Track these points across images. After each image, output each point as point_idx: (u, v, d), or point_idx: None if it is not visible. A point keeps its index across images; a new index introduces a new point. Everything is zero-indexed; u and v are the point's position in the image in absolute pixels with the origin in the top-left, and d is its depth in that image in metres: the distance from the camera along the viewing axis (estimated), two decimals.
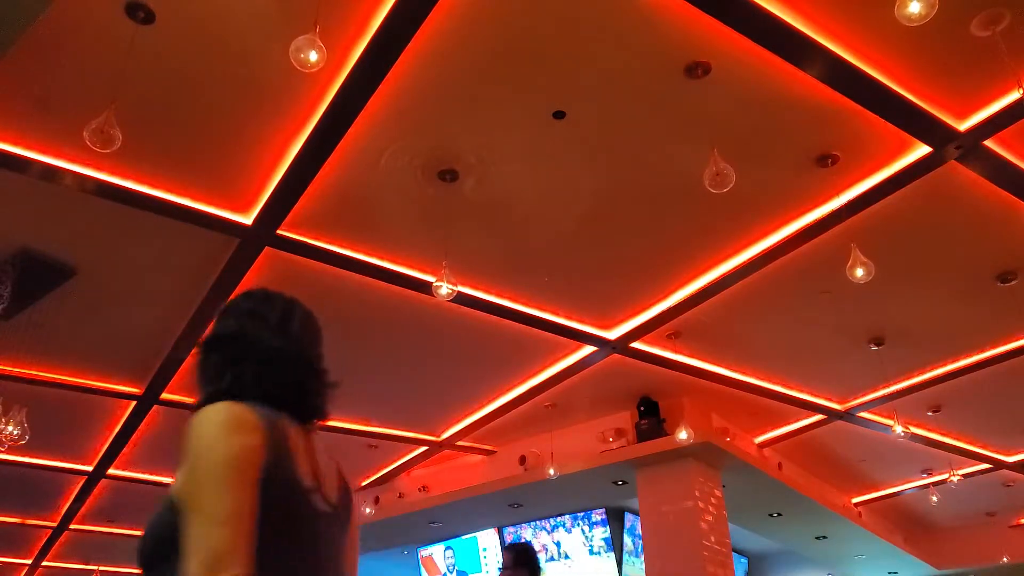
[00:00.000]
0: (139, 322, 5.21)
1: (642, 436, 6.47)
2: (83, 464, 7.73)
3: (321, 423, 1.39)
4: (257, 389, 1.30)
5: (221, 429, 1.19)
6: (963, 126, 3.66)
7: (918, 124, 3.62)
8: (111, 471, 7.85)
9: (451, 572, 8.59)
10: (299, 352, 1.40)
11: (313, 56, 2.73)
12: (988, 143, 3.73)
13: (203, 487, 1.15)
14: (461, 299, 4.68)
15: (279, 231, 4.27)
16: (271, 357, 1.35)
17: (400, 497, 8.19)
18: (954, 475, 8.04)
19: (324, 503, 1.30)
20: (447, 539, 8.71)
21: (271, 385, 1.31)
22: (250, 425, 1.21)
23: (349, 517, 1.39)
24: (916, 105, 3.52)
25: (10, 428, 4.99)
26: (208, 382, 1.34)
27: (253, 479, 1.15)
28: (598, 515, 7.65)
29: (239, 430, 1.19)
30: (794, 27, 3.11)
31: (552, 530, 7.93)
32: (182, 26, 3.10)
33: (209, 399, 1.27)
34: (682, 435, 5.79)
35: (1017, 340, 5.68)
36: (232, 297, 1.47)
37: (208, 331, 1.43)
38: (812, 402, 6.72)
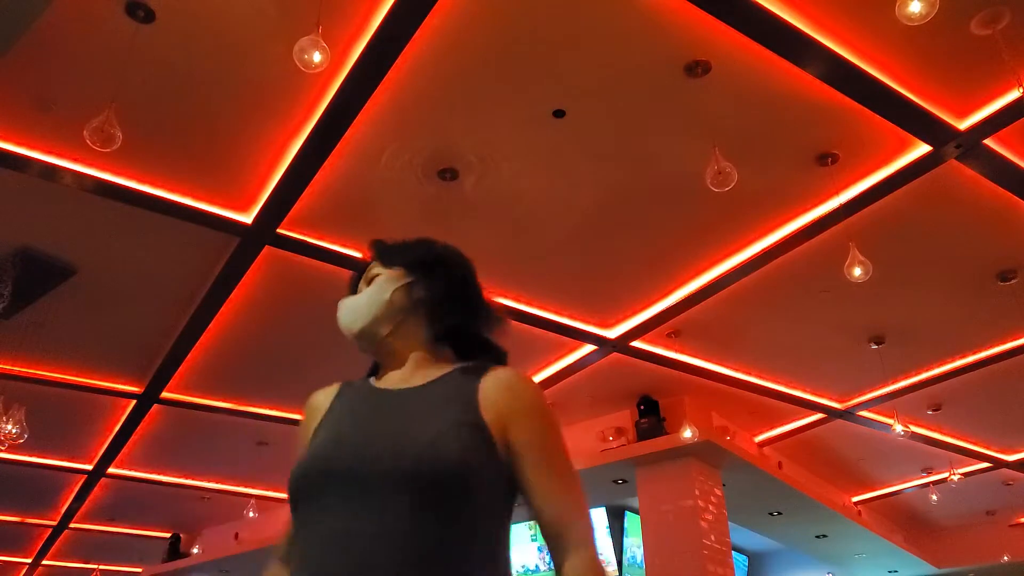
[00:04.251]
0: (139, 321, 5.21)
1: (642, 435, 6.47)
2: (83, 463, 7.74)
3: None
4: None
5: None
6: (963, 125, 3.66)
7: (918, 123, 3.62)
8: (111, 470, 7.86)
9: None
10: None
11: (317, 57, 2.73)
12: (988, 142, 3.73)
13: (566, 458, 1.19)
14: None
15: (279, 230, 4.27)
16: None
17: None
18: (954, 474, 8.04)
19: None
20: None
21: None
22: None
23: None
24: (916, 104, 3.52)
25: (9, 427, 5.00)
26: (454, 320, 1.31)
27: None
28: (598, 514, 7.65)
29: None
30: (794, 26, 3.11)
31: None
32: (182, 25, 3.10)
33: (499, 359, 1.29)
34: (687, 433, 5.79)
35: (1017, 339, 5.68)
36: (449, 245, 1.47)
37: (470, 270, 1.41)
38: (812, 401, 6.72)
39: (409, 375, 1.23)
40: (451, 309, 1.29)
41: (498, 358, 1.28)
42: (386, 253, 1.38)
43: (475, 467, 1.07)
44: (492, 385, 1.16)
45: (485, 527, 1.08)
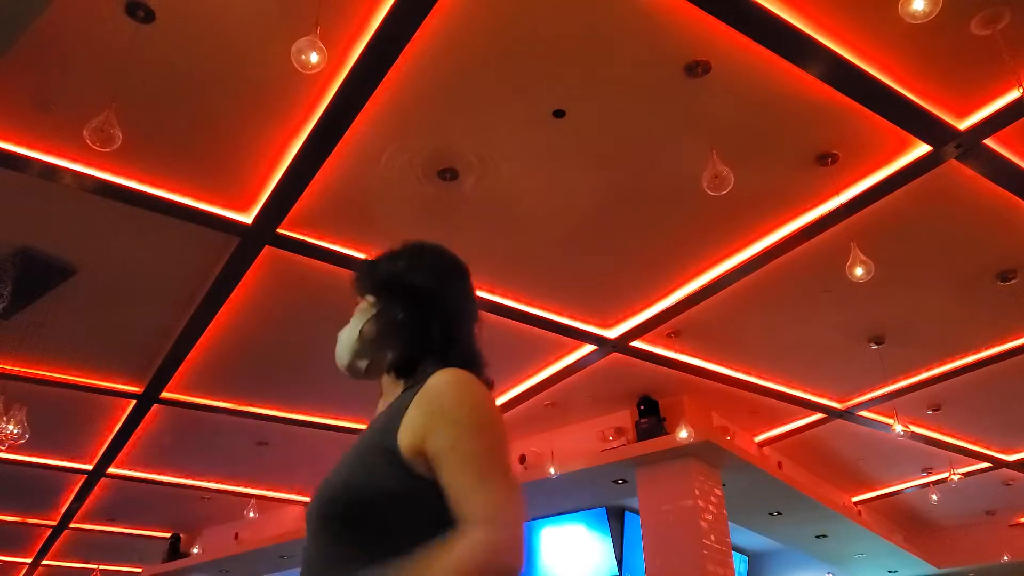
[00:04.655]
0: (139, 321, 5.21)
1: (642, 435, 6.47)
2: (83, 463, 7.74)
3: None
4: (473, 365, 1.22)
5: (488, 399, 1.12)
6: (963, 125, 3.66)
7: (918, 123, 3.62)
8: (111, 470, 7.86)
9: None
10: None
11: (314, 57, 2.74)
12: (988, 142, 3.73)
13: (493, 451, 1.07)
14: None
15: (279, 230, 4.27)
16: (474, 336, 1.29)
17: None
18: (954, 474, 8.04)
19: None
20: None
21: (478, 364, 1.24)
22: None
23: None
24: (916, 104, 3.52)
25: (10, 427, 5.00)
26: (422, 342, 1.23)
27: None
28: (598, 514, 7.66)
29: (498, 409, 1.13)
30: (794, 26, 3.11)
31: (552, 529, 7.94)
32: (182, 25, 3.10)
33: (444, 363, 1.18)
34: (683, 434, 5.79)
35: (1017, 339, 5.68)
36: (423, 251, 1.37)
37: (416, 284, 1.28)
38: (812, 401, 6.72)
39: (383, 404, 1.26)
40: (411, 334, 1.24)
41: (461, 363, 1.19)
42: (359, 279, 1.35)
43: (372, 495, 1.07)
44: (416, 399, 1.11)
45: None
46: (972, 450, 7.86)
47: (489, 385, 1.19)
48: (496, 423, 1.10)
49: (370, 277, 1.33)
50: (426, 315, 1.25)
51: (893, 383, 6.31)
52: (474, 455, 1.05)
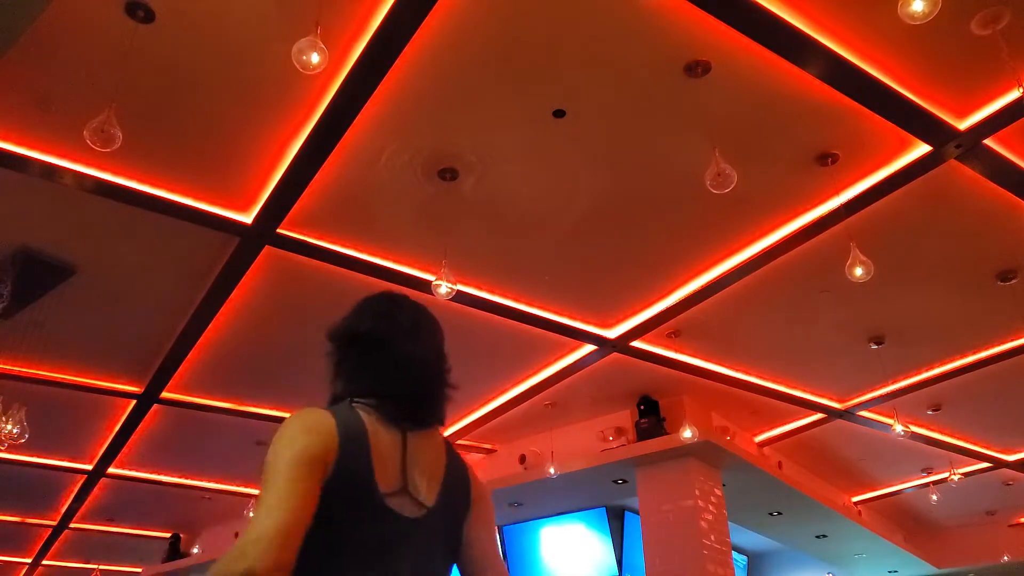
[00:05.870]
0: (139, 321, 5.21)
1: (642, 435, 6.47)
2: (83, 463, 7.74)
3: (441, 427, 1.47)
4: (369, 394, 1.39)
5: (296, 420, 1.30)
6: (963, 125, 3.66)
7: (918, 123, 3.62)
8: (111, 470, 7.86)
9: None
10: (423, 359, 1.45)
11: (315, 58, 2.74)
12: (988, 142, 3.73)
13: (270, 463, 1.24)
14: (460, 298, 4.68)
15: (279, 230, 4.27)
16: (396, 363, 1.41)
17: None
18: (954, 474, 8.04)
19: (411, 506, 1.33)
20: None
21: (384, 391, 1.39)
22: (323, 428, 1.29)
23: (458, 515, 1.43)
24: (916, 104, 3.52)
25: (9, 427, 4.99)
26: (331, 381, 1.44)
27: (309, 475, 1.22)
28: (598, 514, 7.66)
29: (309, 432, 1.27)
30: (794, 26, 3.11)
31: (552, 528, 7.94)
32: (182, 25, 3.10)
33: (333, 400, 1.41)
34: (687, 433, 5.79)
35: (1017, 339, 5.68)
36: (364, 299, 1.54)
37: (339, 325, 1.48)
38: (812, 401, 6.72)
39: None
40: (332, 379, 1.44)
41: (356, 394, 1.39)
42: None
43: None
44: None
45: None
46: (972, 450, 7.86)
47: (383, 410, 1.37)
48: (285, 438, 1.25)
49: None
50: (339, 359, 1.45)
51: (893, 383, 6.31)
52: (265, 464, 1.23)
